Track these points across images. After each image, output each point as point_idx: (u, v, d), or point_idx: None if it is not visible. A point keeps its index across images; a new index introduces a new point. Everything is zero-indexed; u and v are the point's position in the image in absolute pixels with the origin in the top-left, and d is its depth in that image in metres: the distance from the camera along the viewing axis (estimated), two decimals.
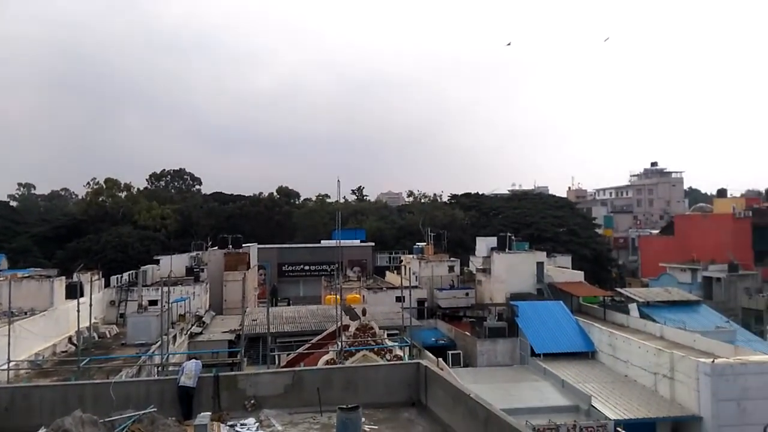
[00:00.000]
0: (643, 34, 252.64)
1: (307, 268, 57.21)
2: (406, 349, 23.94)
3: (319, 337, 26.38)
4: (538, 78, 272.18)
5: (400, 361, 18.56)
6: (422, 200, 79.09)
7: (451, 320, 38.96)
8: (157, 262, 40.21)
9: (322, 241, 60.21)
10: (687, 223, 72.54)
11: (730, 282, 52.82)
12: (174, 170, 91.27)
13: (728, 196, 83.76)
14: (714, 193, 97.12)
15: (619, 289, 41.71)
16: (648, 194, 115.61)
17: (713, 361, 21.79)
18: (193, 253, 43.65)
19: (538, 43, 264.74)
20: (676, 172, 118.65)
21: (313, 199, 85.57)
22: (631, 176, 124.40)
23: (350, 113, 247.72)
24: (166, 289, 24.59)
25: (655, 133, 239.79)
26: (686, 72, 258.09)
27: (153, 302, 30.72)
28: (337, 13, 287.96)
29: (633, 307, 34.60)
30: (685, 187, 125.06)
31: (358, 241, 58.86)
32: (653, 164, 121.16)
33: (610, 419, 20.99)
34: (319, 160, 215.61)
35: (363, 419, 9.69)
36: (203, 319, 33.27)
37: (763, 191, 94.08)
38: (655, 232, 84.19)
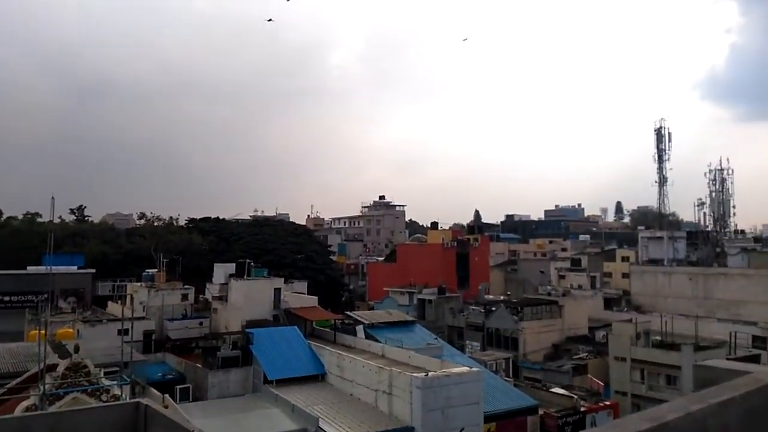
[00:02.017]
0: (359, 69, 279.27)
1: (6, 299, 48.41)
2: (127, 388, 21.87)
3: (19, 380, 22.47)
4: (283, 106, 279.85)
5: (117, 402, 16.82)
6: (156, 223, 73.92)
7: (181, 352, 36.81)
8: None
9: (28, 267, 51.73)
10: (406, 251, 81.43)
11: (438, 303, 60.50)
12: None
13: (439, 228, 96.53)
14: (429, 225, 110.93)
15: (348, 313, 44.50)
16: (376, 224, 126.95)
17: (426, 375, 24.53)
18: None
19: (286, 73, 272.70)
20: (399, 206, 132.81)
21: (20, 217, 73.39)
22: (362, 207, 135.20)
23: (73, 122, 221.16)
24: None
25: (382, 170, 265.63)
26: (399, 119, 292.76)
27: None
28: (59, 11, 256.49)
29: (360, 329, 37.22)
30: (407, 219, 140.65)
31: (75, 267, 52.14)
32: (381, 197, 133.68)
33: None
34: (30, 173, 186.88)
35: None
36: None
37: (465, 225, 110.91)
38: (381, 259, 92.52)
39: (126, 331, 27.38)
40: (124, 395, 20.05)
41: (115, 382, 20.87)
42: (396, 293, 65.13)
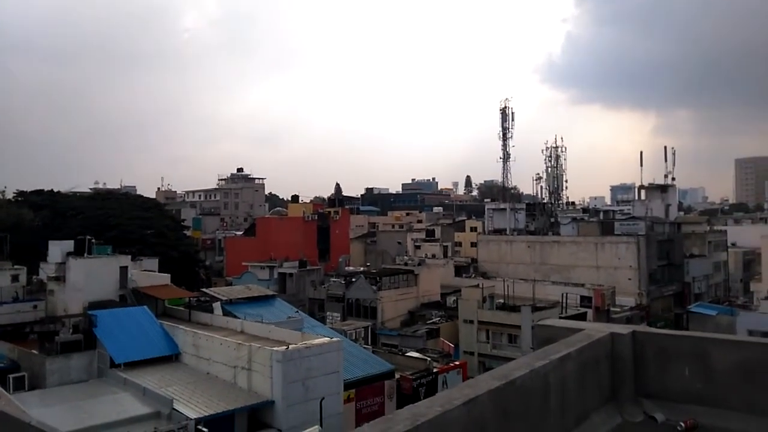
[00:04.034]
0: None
1: None
2: None
3: None
4: (127, 69, 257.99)
5: None
6: None
7: (13, 338, 33.17)
8: None
9: None
10: (266, 224, 79.99)
11: (299, 276, 60.39)
12: None
13: (300, 201, 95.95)
14: (289, 198, 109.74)
15: (204, 290, 42.88)
16: (234, 198, 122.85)
17: (287, 349, 24.41)
18: None
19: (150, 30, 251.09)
20: (259, 179, 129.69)
21: None
22: (219, 180, 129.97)
23: None
24: None
25: (240, 142, 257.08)
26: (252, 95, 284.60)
27: None
28: None
29: (217, 306, 36.00)
30: (266, 192, 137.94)
31: None
32: (239, 170, 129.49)
33: (190, 419, 21.28)
34: None
35: None
36: None
37: (326, 198, 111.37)
38: (240, 233, 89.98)
39: None
40: None
41: None
42: (256, 268, 63.85)
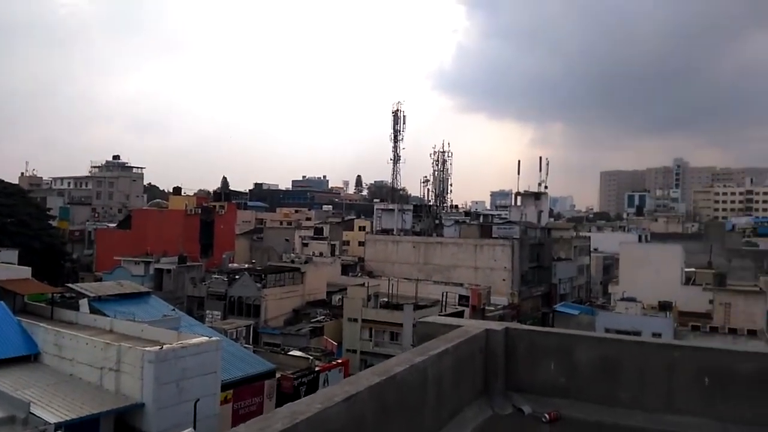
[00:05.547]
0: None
1: None
2: None
3: None
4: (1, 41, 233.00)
5: None
6: None
7: None
8: None
9: None
10: (144, 217, 75.53)
11: (178, 273, 57.57)
12: None
13: (183, 194, 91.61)
14: (171, 190, 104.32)
15: (70, 285, 39.71)
16: (109, 187, 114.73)
17: (161, 348, 23.14)
18: None
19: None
20: (137, 168, 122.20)
21: None
22: (92, 167, 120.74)
23: None
24: None
25: (117, 127, 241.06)
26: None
27: None
28: None
29: (84, 303, 33.43)
30: (145, 183, 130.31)
31: None
32: (115, 158, 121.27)
33: (50, 423, 19.56)
34: None
35: None
36: None
37: (211, 191, 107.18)
38: (113, 225, 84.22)
39: None
40: None
41: None
42: (130, 263, 60.00)
